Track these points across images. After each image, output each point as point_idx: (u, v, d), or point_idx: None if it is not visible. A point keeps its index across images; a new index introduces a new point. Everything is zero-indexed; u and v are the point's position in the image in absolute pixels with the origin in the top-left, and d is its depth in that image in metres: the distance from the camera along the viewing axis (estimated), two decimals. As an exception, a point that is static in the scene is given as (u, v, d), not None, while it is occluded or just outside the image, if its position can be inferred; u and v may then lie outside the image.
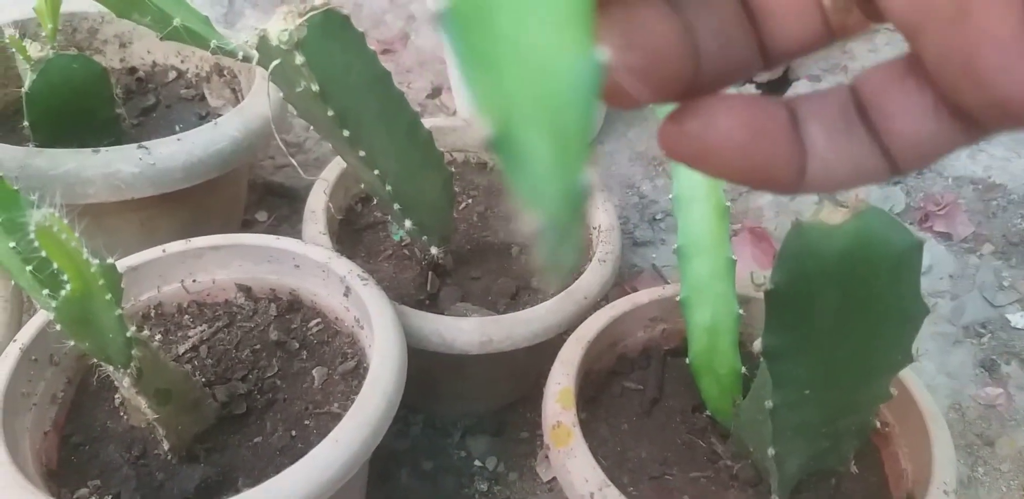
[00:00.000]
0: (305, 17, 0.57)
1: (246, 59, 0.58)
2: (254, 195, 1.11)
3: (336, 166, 0.86)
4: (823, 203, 0.53)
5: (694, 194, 0.68)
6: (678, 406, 0.69)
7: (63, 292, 0.49)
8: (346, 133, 0.61)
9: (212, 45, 0.58)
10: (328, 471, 0.55)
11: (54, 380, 0.67)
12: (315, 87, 0.57)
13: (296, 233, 1.08)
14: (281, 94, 0.63)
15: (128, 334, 0.52)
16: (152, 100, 1.03)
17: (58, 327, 0.53)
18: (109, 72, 0.89)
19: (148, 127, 0.99)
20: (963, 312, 0.99)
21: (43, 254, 0.46)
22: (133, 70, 1.07)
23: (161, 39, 0.57)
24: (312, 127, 0.67)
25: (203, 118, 1.00)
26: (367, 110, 0.63)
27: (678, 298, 0.68)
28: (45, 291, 0.58)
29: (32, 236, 0.44)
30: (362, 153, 0.63)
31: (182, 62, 1.07)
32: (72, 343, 0.55)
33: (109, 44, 1.06)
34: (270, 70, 0.59)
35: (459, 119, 0.96)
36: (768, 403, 0.52)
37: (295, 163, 0.61)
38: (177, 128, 0.98)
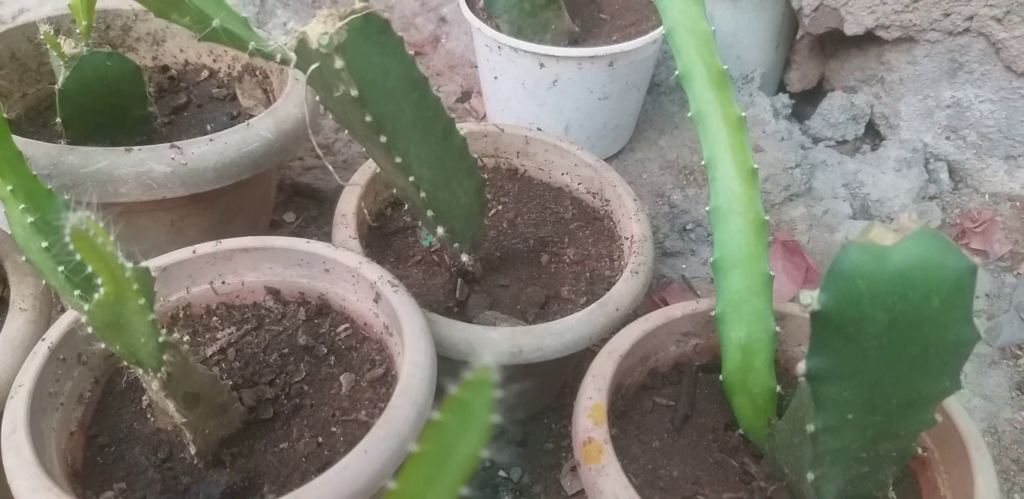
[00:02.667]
0: (345, 20, 0.56)
1: (284, 62, 0.57)
2: (282, 196, 1.10)
3: (367, 170, 0.85)
4: (872, 222, 0.52)
5: (732, 207, 0.67)
6: (710, 424, 0.68)
7: (96, 296, 0.48)
8: (383, 139, 0.60)
9: (250, 47, 0.58)
10: (357, 482, 0.54)
11: (81, 380, 0.67)
12: (354, 92, 0.56)
13: (324, 235, 1.08)
14: (317, 98, 0.63)
15: (160, 339, 0.51)
16: (183, 99, 1.02)
17: (89, 330, 0.52)
18: (142, 70, 0.89)
19: (179, 126, 0.99)
20: (999, 333, 0.97)
21: (78, 257, 0.45)
22: (165, 68, 1.07)
23: (199, 40, 0.57)
24: (347, 131, 0.67)
25: (234, 118, 1.00)
26: (404, 116, 0.63)
27: (713, 313, 0.67)
28: (76, 292, 0.58)
29: (67, 239, 0.44)
30: (398, 159, 0.62)
31: (214, 61, 1.07)
32: (102, 345, 0.55)
33: (142, 42, 1.06)
34: (308, 74, 0.58)
35: (490, 124, 0.95)
36: (809, 427, 0.51)
37: (332, 169, 0.60)
38: (208, 128, 0.98)
